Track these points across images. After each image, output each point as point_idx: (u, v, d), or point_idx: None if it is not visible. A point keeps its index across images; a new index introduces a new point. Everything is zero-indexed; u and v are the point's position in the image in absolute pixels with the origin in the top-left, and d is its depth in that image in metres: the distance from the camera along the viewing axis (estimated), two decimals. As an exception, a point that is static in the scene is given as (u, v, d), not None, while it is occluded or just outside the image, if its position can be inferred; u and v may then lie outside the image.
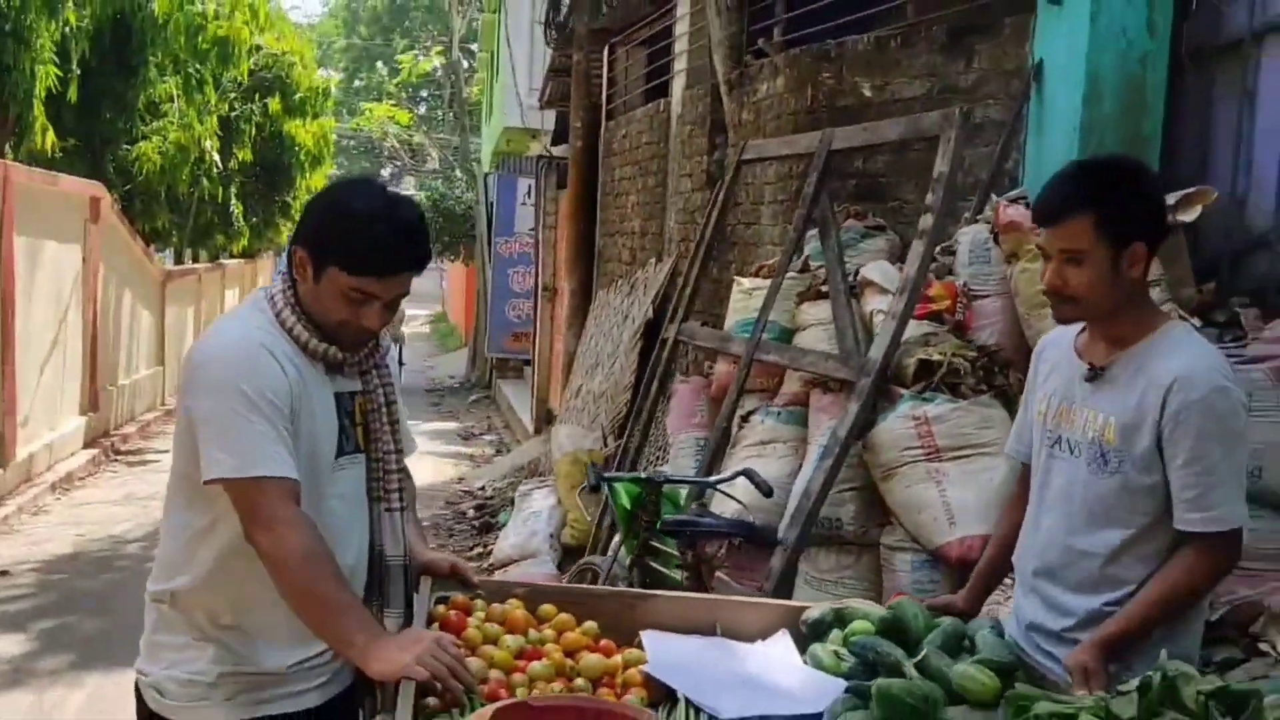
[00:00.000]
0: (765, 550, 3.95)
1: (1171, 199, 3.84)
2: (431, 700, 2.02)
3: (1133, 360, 2.31)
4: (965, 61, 4.68)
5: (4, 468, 8.37)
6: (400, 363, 15.18)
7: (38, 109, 10.51)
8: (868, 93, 5.00)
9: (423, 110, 35.66)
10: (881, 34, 5.12)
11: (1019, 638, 2.50)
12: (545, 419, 11.04)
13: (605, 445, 7.00)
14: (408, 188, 31.42)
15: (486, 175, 17.81)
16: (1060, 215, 2.29)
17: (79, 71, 11.46)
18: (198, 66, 13.12)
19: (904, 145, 4.77)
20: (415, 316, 33.57)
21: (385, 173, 39.63)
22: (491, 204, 16.44)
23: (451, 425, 14.12)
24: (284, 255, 2.36)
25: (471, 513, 9.04)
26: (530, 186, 14.37)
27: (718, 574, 3.88)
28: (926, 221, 3.93)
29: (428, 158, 30.28)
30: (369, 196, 2.19)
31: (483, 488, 10.03)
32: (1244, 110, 3.94)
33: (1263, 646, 3.47)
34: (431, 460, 11.44)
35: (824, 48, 5.36)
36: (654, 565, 3.92)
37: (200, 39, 12.67)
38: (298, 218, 2.38)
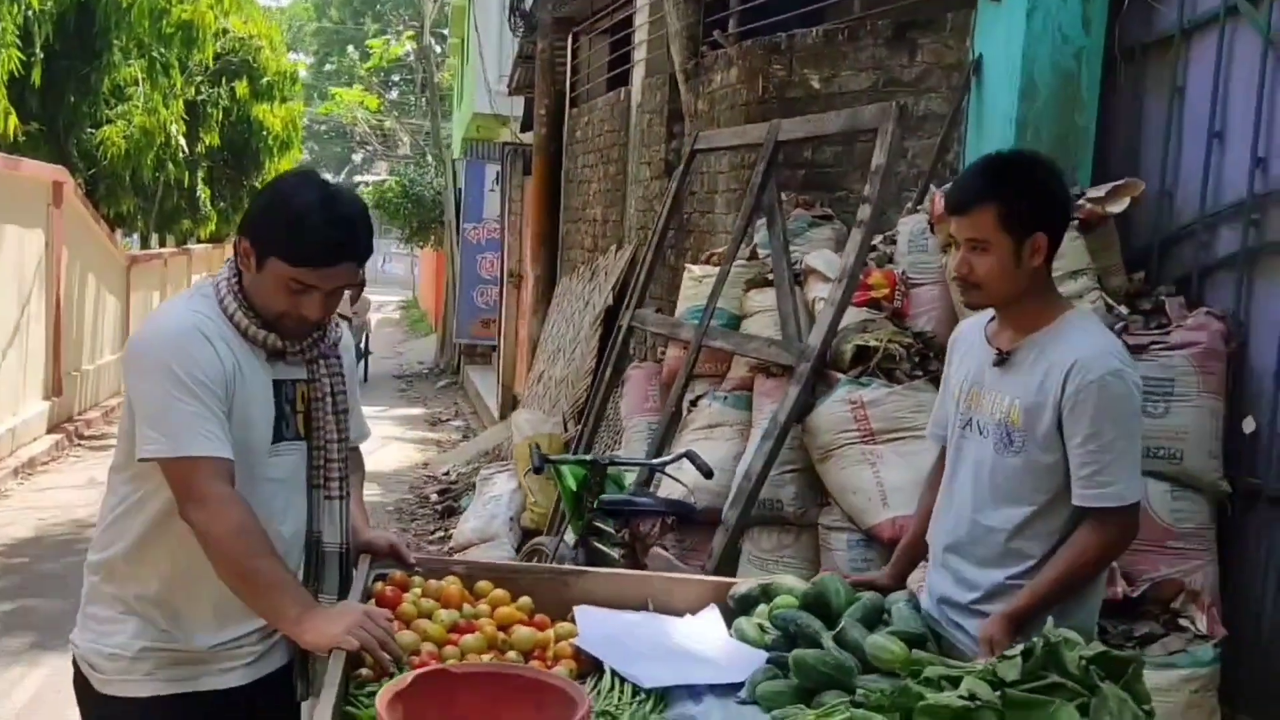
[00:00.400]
0: (711, 531, 4.06)
1: (1101, 191, 3.97)
2: (364, 671, 2.11)
3: (1036, 345, 2.44)
4: (909, 55, 4.79)
5: (-35, 453, 8.38)
6: (367, 351, 14.94)
7: (0, 92, 10.46)
8: (816, 84, 5.10)
9: (395, 95, 35.48)
10: (830, 27, 5.22)
11: (932, 610, 2.62)
12: (511, 405, 11.12)
13: (565, 430, 7.10)
14: (379, 173, 31.29)
15: (454, 161, 17.80)
16: (967, 206, 2.42)
17: (42, 55, 11.41)
18: (162, 50, 13.07)
19: (851, 137, 4.88)
20: (387, 303, 33.49)
21: (357, 158, 39.45)
22: (460, 190, 16.45)
23: (419, 411, 14.17)
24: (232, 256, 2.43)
25: (435, 497, 9.12)
26: (499, 173, 14.40)
27: (662, 553, 3.98)
28: (864, 212, 4.03)
29: (399, 143, 30.14)
30: (309, 189, 2.25)
31: (447, 473, 10.10)
32: (1173, 105, 4.05)
33: (1182, 622, 3.61)
34: (397, 445, 11.50)
35: (775, 40, 5.46)
36: (598, 545, 4.03)
37: (164, 22, 12.61)
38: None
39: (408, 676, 1.85)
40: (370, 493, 9.31)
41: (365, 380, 14.11)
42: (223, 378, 2.19)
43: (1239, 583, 3.73)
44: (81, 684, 2.34)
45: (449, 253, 17.28)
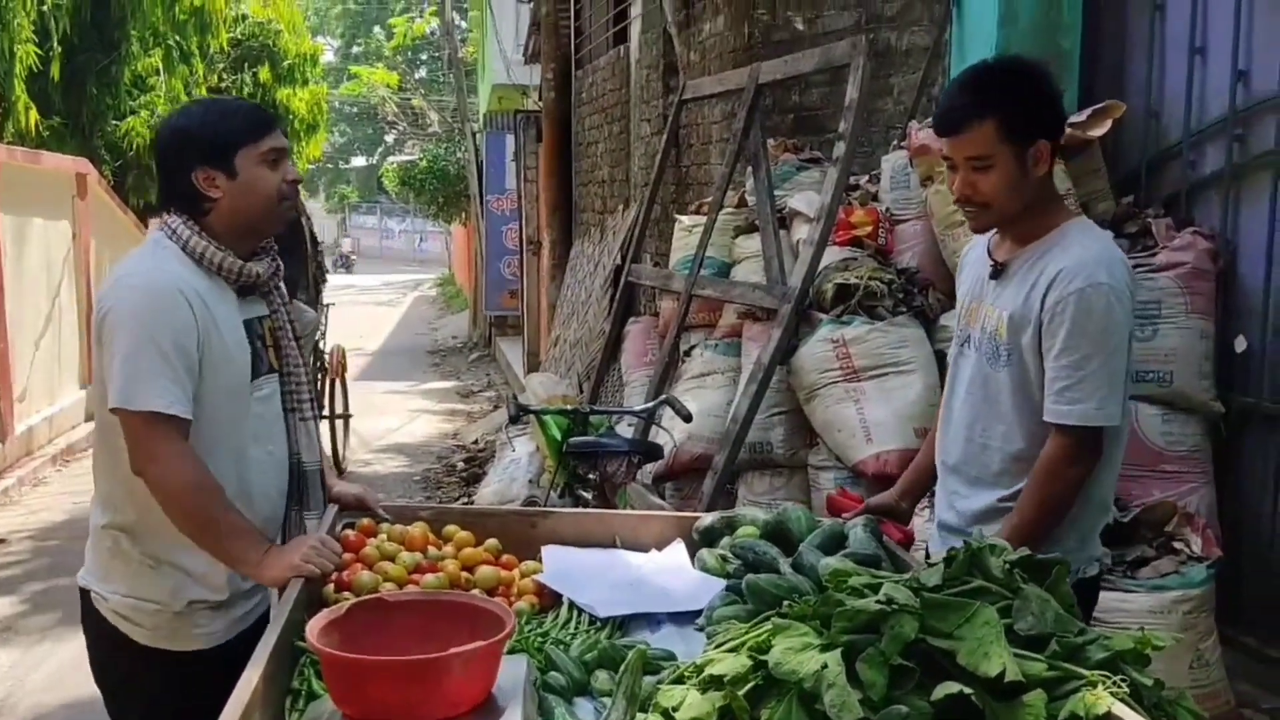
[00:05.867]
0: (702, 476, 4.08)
1: (1082, 115, 3.91)
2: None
3: (1031, 256, 2.32)
4: (890, -10, 4.74)
5: (3, 442, 8.57)
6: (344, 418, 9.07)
7: (19, 88, 10.63)
8: (800, 26, 5.06)
9: (423, 74, 35.54)
10: (811, -33, 5.17)
11: (935, 536, 2.59)
12: (537, 371, 11.18)
13: (580, 391, 7.14)
14: (412, 153, 31.38)
15: (475, 134, 17.80)
16: (961, 124, 2.28)
17: (60, 49, 11.56)
18: (178, 39, 13.17)
19: (836, 77, 4.83)
20: (423, 280, 33.74)
21: (389, 139, 39.55)
22: (482, 162, 16.47)
23: (451, 384, 14.27)
24: (171, 205, 2.45)
25: (461, 465, 9.21)
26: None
27: (637, 486, 4.01)
28: (839, 149, 4.00)
29: (429, 122, 30.20)
30: (200, 103, 2.47)
31: (476, 441, 10.20)
32: (1155, 23, 3.99)
33: (1177, 545, 3.59)
34: (427, 418, 11.61)
35: (759, -16, 5.41)
36: (583, 493, 4.07)
37: (177, 10, 12.71)
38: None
39: (343, 606, 1.89)
40: (398, 464, 9.49)
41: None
42: (195, 335, 2.22)
43: (1239, 503, 3.70)
44: (108, 631, 2.34)
45: (475, 226, 17.34)
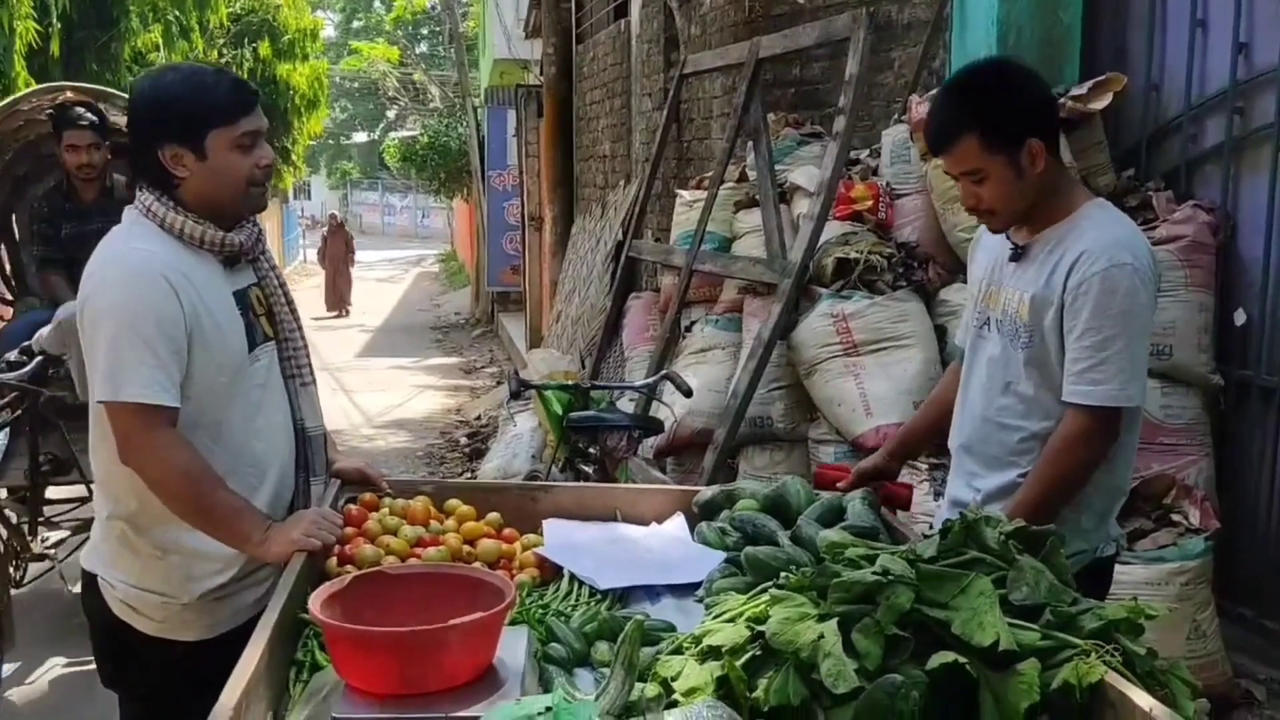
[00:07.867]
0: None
1: (1083, 88, 3.90)
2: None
3: (1052, 238, 2.33)
4: (891, -38, 4.71)
5: (7, 417, 8.59)
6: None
7: (19, 64, 10.57)
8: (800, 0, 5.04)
9: (424, 48, 35.34)
10: (812, -61, 5.14)
11: (949, 515, 2.47)
12: (540, 348, 11.18)
13: (582, 366, 7.15)
14: (413, 129, 31.25)
15: (477, 109, 17.72)
16: (946, 142, 2.30)
17: (60, 25, 11.50)
18: (176, 14, 13.11)
19: (837, 51, 4.81)
20: (426, 256, 33.69)
21: (390, 114, 39.40)
22: (483, 138, 16.41)
23: (454, 360, 14.28)
24: (143, 182, 2.35)
25: (464, 441, 9.23)
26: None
27: (639, 461, 4.03)
28: (840, 123, 4.00)
29: (430, 97, 30.05)
30: (168, 72, 2.31)
31: (479, 417, 10.22)
32: (1156, -4, 3.97)
33: (1175, 518, 3.61)
34: (431, 394, 11.63)
35: (759, -44, 5.39)
36: (584, 467, 4.09)
37: (175, -16, 12.65)
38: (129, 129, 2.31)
39: (345, 579, 1.91)
40: (400, 439, 9.52)
41: None
42: (182, 321, 2.18)
43: (1237, 476, 3.72)
44: (117, 623, 2.34)
45: (477, 202, 17.29)
